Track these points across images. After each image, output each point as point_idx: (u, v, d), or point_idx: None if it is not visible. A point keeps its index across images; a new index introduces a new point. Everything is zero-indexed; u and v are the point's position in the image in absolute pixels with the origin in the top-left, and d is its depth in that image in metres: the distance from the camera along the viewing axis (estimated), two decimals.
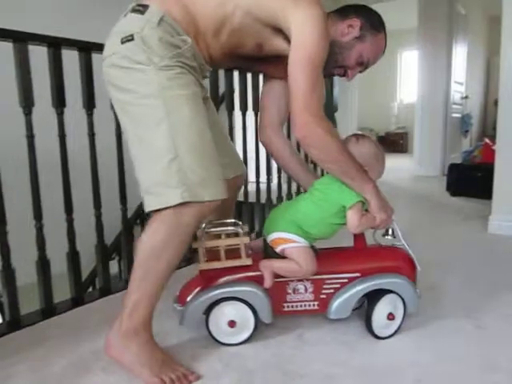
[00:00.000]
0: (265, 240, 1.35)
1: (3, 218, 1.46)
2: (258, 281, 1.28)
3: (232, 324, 1.30)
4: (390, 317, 1.32)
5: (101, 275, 1.82)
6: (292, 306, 1.34)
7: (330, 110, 3.10)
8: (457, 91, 5.25)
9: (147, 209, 1.11)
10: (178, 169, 1.05)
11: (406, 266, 1.35)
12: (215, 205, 1.11)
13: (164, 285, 1.15)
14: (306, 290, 1.33)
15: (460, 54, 5.24)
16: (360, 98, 5.84)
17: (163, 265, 1.12)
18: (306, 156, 2.10)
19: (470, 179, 3.64)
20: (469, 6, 5.37)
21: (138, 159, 1.12)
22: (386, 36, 1.35)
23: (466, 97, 5.64)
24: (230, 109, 2.33)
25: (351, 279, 1.32)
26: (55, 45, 1.56)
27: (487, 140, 3.88)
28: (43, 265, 1.59)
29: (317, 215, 1.27)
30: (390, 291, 1.31)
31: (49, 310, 1.60)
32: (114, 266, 3.22)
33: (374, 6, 4.64)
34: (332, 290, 1.33)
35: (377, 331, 1.33)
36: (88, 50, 1.66)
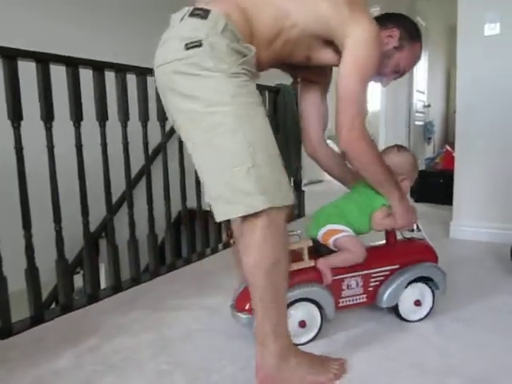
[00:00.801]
0: (313, 240, 1.42)
1: None
2: (317, 280, 1.36)
3: (303, 324, 1.36)
4: (417, 303, 1.48)
5: (62, 291, 1.77)
6: (346, 301, 1.44)
7: (295, 119, 3.13)
8: (419, 100, 5.41)
9: (226, 216, 1.08)
10: (257, 176, 1.03)
11: (432, 254, 1.55)
12: (289, 209, 1.12)
13: None
14: (357, 284, 1.44)
15: (421, 63, 5.40)
16: None
17: (286, 273, 1.12)
18: None
19: (432, 185, 3.73)
20: (429, 18, 5.55)
21: (209, 167, 1.09)
22: (422, 44, 1.41)
23: (428, 105, 5.82)
24: None
25: (392, 271, 1.47)
26: (11, 57, 1.52)
27: (448, 147, 4.00)
28: (0, 282, 1.53)
29: (357, 214, 1.44)
30: (417, 280, 1.47)
31: (6, 329, 1.54)
32: (79, 280, 3.14)
33: None
34: (378, 283, 1.47)
35: (403, 314, 1.49)
36: (46, 61, 1.63)
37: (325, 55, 1.28)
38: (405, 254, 1.53)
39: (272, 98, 3.05)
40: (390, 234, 1.55)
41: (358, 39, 1.17)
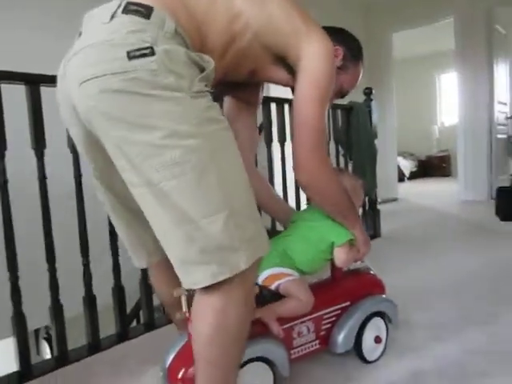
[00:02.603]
0: (259, 286, 1.22)
1: (53, 259, 1.52)
2: (266, 333, 1.16)
3: None
4: (378, 340, 1.37)
5: (145, 310, 1.83)
6: (298, 351, 1.27)
7: (369, 137, 3.07)
8: (501, 112, 5.10)
9: (203, 283, 0.82)
10: (236, 226, 0.82)
11: (380, 286, 1.45)
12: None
13: None
14: (308, 330, 1.28)
15: (502, 73, 5.11)
16: (399, 122, 5.77)
17: (243, 343, 0.92)
18: None
19: None
20: (509, 25, 5.25)
21: (165, 219, 0.82)
22: (363, 63, 1.31)
23: (511, 117, 5.46)
24: (269, 140, 2.35)
25: (344, 309, 1.35)
26: (34, 83, 1.44)
27: None
28: (90, 301, 1.62)
29: (307, 252, 1.28)
30: (374, 315, 1.36)
31: (95, 345, 1.62)
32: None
33: (410, 32, 4.69)
34: (329, 325, 1.33)
35: (366, 355, 1.36)
36: None
37: (272, 74, 1.12)
38: (354, 289, 1.40)
39: (345, 117, 3.02)
40: (335, 268, 1.39)
41: (317, 62, 1.03)
